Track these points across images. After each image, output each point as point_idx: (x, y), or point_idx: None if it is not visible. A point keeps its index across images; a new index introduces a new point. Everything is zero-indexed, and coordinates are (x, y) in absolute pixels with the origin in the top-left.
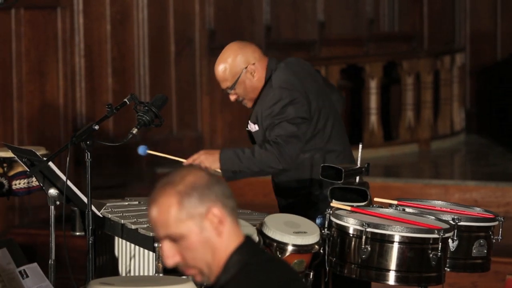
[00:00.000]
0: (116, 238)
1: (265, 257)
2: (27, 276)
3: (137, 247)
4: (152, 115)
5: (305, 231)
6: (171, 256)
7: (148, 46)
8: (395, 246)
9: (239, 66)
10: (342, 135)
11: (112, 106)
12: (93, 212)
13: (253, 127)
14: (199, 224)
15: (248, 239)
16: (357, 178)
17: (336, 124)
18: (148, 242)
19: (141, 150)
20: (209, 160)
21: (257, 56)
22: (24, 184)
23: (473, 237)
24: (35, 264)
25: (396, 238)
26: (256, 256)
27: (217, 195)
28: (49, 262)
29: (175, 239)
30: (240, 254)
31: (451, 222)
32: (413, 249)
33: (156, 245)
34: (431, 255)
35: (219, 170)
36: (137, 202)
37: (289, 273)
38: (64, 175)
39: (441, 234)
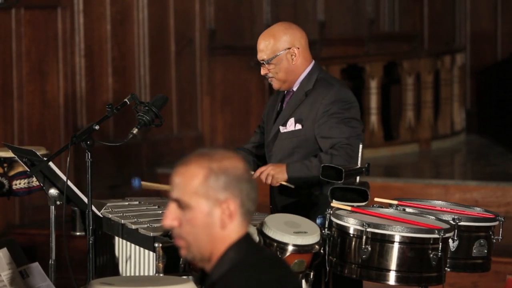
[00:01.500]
0: (117, 238)
1: (261, 256)
2: (28, 276)
3: (137, 247)
4: (153, 115)
5: (306, 231)
6: (171, 219)
7: (149, 46)
8: (396, 246)
9: (282, 44)
10: None
11: (112, 106)
12: (93, 212)
13: (291, 127)
14: (210, 207)
15: (246, 237)
16: (358, 178)
17: None
18: (148, 242)
19: (136, 182)
20: (277, 170)
21: (303, 43)
22: (24, 184)
23: (473, 237)
24: (37, 264)
25: (397, 238)
26: (251, 254)
27: (241, 192)
28: (50, 262)
29: (182, 207)
30: (235, 251)
31: (452, 222)
32: (414, 249)
33: (156, 245)
34: (431, 255)
35: (288, 184)
36: (137, 202)
37: (285, 273)
38: (65, 175)
39: (442, 234)
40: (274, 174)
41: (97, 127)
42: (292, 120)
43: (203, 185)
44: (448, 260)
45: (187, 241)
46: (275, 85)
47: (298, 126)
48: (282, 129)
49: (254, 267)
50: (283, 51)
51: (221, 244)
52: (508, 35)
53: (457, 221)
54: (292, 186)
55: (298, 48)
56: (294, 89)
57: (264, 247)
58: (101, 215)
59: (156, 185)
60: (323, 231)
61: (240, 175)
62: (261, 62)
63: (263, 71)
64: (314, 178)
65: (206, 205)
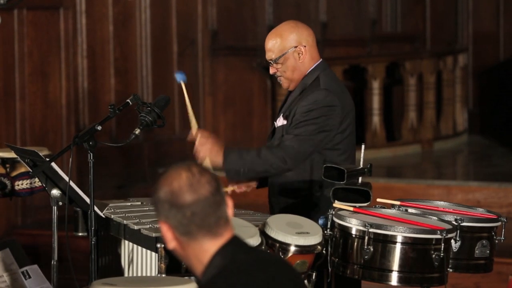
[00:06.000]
0: (119, 238)
1: (249, 259)
2: (30, 277)
3: (139, 247)
4: (155, 115)
5: (308, 231)
6: (168, 241)
7: (151, 47)
8: (398, 247)
9: (289, 43)
10: (353, 147)
11: (114, 107)
12: (95, 213)
13: (280, 122)
14: (164, 229)
15: (232, 240)
16: (360, 179)
17: (352, 140)
18: (150, 242)
19: (180, 77)
20: (213, 152)
21: (310, 41)
22: (26, 184)
23: (475, 238)
24: (36, 266)
25: (399, 239)
26: (237, 258)
27: (169, 215)
28: (52, 262)
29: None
30: (220, 256)
31: (454, 222)
32: (416, 249)
33: (158, 245)
34: (433, 255)
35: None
36: (139, 203)
37: (274, 274)
38: (67, 175)
39: (444, 235)
40: (209, 154)
41: (99, 128)
42: (281, 116)
43: (155, 213)
44: (450, 261)
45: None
46: (284, 84)
47: (284, 122)
48: (275, 124)
49: (240, 271)
50: (290, 50)
51: (194, 261)
52: (510, 35)
53: (460, 221)
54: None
55: (305, 46)
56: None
57: (256, 248)
58: (103, 216)
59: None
60: (325, 232)
61: (164, 198)
62: (269, 61)
63: (271, 71)
64: (251, 169)
65: (162, 226)
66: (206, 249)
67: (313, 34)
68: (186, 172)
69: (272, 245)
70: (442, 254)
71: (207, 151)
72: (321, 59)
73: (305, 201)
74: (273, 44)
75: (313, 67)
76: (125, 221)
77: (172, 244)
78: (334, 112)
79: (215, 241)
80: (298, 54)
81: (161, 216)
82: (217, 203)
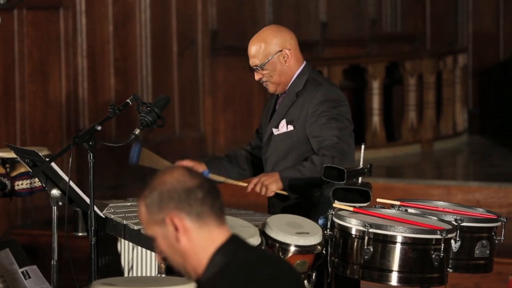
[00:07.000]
0: (119, 238)
1: (250, 256)
2: (30, 277)
3: (139, 247)
4: (155, 115)
5: (308, 231)
6: (157, 253)
7: (151, 47)
8: (398, 247)
9: (274, 47)
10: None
11: (114, 107)
12: (95, 213)
13: (284, 128)
14: (162, 230)
15: (232, 238)
16: (360, 179)
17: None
18: (150, 242)
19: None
20: (270, 180)
21: (293, 44)
22: (26, 184)
23: (475, 238)
24: (35, 267)
25: (399, 239)
26: (238, 255)
27: (180, 202)
28: (52, 262)
29: (152, 239)
30: (221, 254)
31: (454, 222)
32: (416, 249)
33: None
34: (433, 255)
35: (283, 192)
36: None
37: (276, 272)
38: (67, 175)
39: (444, 235)
40: (268, 184)
41: (99, 128)
42: (284, 122)
43: (148, 215)
44: (450, 261)
45: (174, 265)
46: (271, 88)
47: (290, 128)
48: (275, 131)
49: (241, 268)
50: (275, 54)
51: (200, 254)
52: (510, 35)
53: (459, 221)
54: (286, 193)
55: (290, 50)
56: (287, 90)
57: (255, 246)
58: (103, 216)
59: (222, 179)
60: (325, 232)
61: (171, 188)
62: (254, 67)
63: (257, 77)
64: (309, 181)
65: (160, 230)
66: (213, 238)
67: (295, 37)
68: (177, 168)
69: (272, 245)
70: (442, 254)
71: (265, 185)
72: (305, 62)
73: (305, 201)
74: (257, 50)
75: (300, 69)
76: (125, 221)
77: (183, 239)
78: (346, 105)
79: (221, 230)
80: (284, 58)
81: (170, 208)
82: (217, 190)
